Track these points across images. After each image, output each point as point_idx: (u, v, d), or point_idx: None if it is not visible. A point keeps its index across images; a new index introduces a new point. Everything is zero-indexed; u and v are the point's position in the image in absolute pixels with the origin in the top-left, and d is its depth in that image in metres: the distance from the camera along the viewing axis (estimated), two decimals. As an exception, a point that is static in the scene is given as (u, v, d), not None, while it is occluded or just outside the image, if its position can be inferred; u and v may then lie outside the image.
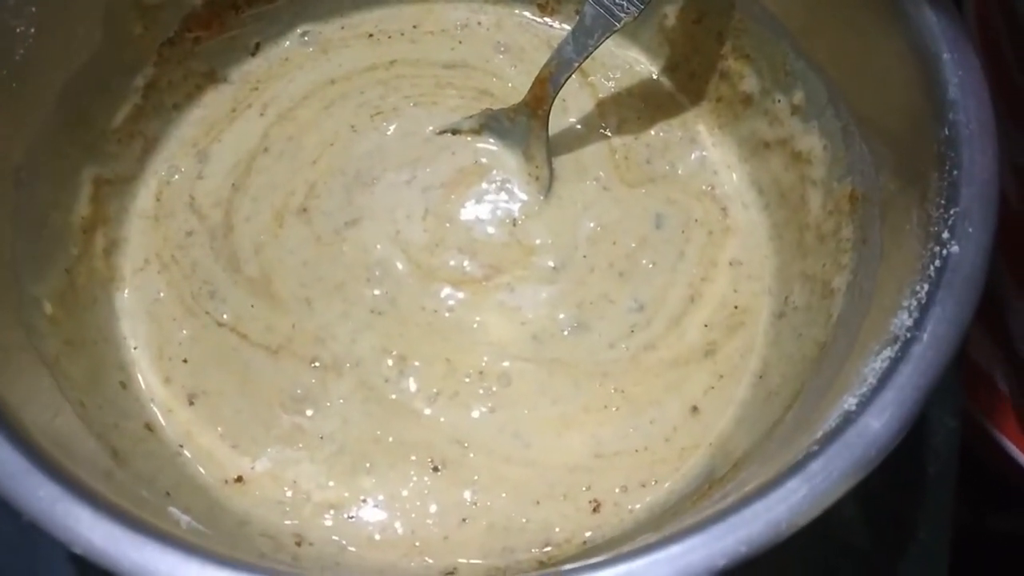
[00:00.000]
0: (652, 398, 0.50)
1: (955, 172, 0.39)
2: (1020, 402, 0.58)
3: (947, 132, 0.40)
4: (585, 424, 0.49)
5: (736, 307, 0.53)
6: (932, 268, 0.38)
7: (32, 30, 0.46)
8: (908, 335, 0.36)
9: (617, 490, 0.48)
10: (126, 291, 0.52)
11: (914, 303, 0.37)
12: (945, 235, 0.38)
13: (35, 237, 0.47)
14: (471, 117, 0.57)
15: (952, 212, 0.38)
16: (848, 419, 0.35)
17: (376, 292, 0.52)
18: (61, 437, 0.39)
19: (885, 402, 0.35)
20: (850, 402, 0.36)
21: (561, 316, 0.52)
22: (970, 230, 0.38)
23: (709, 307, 0.53)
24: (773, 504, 0.33)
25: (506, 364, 0.50)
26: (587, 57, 0.52)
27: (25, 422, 0.37)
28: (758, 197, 0.55)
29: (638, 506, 0.47)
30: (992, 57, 0.54)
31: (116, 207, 0.53)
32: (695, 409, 0.50)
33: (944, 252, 0.38)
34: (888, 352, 0.36)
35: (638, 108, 0.58)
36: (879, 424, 0.34)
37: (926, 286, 0.37)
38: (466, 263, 0.53)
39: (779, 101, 0.53)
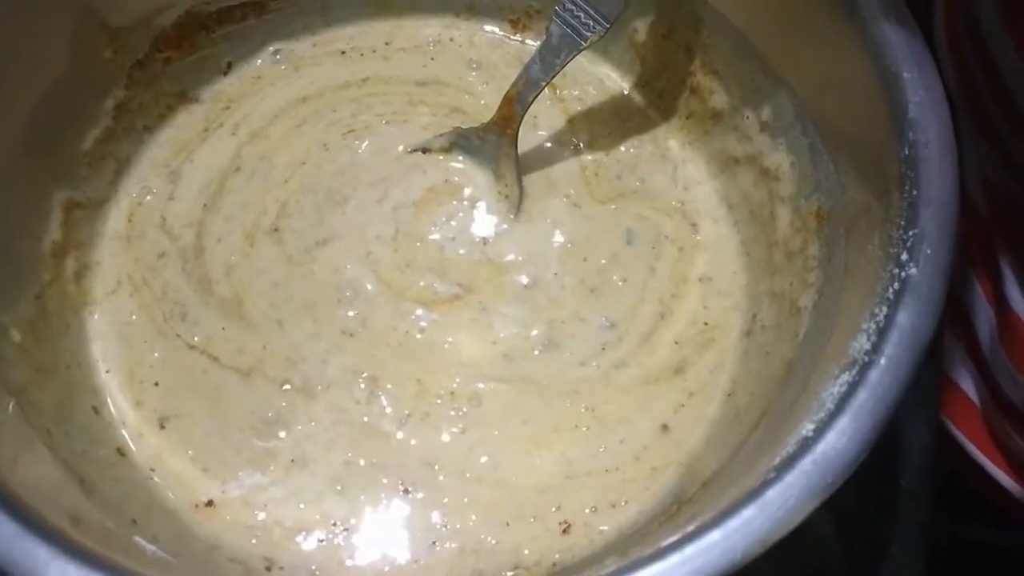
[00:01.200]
0: (622, 416, 0.50)
1: (914, 192, 0.39)
2: (991, 413, 0.58)
3: (907, 151, 0.40)
4: (555, 444, 0.49)
5: (706, 323, 0.53)
6: (891, 290, 0.38)
7: (-3, 55, 0.46)
8: (866, 359, 0.36)
9: (587, 511, 0.48)
10: (97, 314, 0.52)
11: (873, 326, 0.37)
12: (904, 257, 0.38)
13: (3, 264, 0.47)
14: (441, 136, 0.57)
15: (911, 234, 0.38)
16: (805, 445, 0.35)
17: (347, 313, 0.52)
18: (25, 470, 0.39)
19: (842, 428, 0.35)
20: (808, 428, 0.36)
21: (533, 334, 0.52)
22: (928, 252, 0.38)
23: (679, 324, 0.53)
24: (729, 533, 0.33)
25: (477, 384, 0.50)
26: (554, 75, 0.52)
27: (-14, 455, 0.37)
28: (728, 213, 0.55)
29: (607, 527, 0.47)
30: (963, 78, 0.54)
31: (87, 230, 0.53)
32: (665, 427, 0.50)
33: (903, 274, 0.38)
34: (846, 376, 0.36)
35: (609, 124, 0.58)
36: (835, 451, 0.34)
37: (884, 309, 0.37)
38: (437, 283, 0.53)
39: (748, 117, 0.53)
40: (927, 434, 0.55)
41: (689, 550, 0.33)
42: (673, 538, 0.35)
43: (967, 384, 0.61)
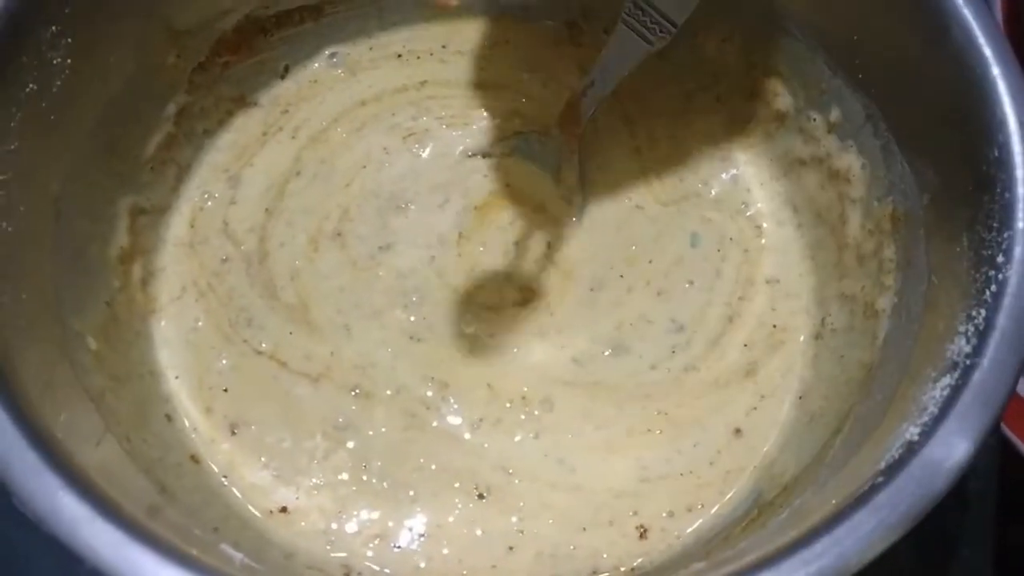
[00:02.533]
0: (695, 420, 0.50)
1: (1006, 195, 0.39)
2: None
3: (996, 154, 0.40)
4: (629, 448, 0.49)
5: (775, 326, 0.52)
6: (988, 293, 0.37)
7: (68, 61, 0.46)
8: (968, 362, 0.36)
9: (664, 515, 0.47)
10: (163, 321, 0.52)
11: (971, 328, 0.37)
12: (1000, 259, 0.38)
13: (75, 271, 0.47)
14: (502, 140, 0.56)
15: (1006, 236, 0.38)
16: (911, 450, 0.35)
17: (413, 318, 0.52)
18: (113, 476, 0.39)
19: (949, 431, 0.35)
20: (912, 432, 0.35)
21: (602, 338, 0.52)
22: (1025, 254, 0.37)
23: (748, 326, 0.52)
24: (841, 538, 0.33)
25: (548, 389, 0.50)
26: (618, 80, 0.52)
27: (80, 463, 0.37)
28: (793, 215, 0.55)
29: (686, 531, 0.47)
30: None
31: (152, 236, 0.53)
32: (738, 431, 0.50)
33: (1000, 276, 0.37)
34: (947, 379, 0.36)
35: (670, 126, 0.58)
36: (944, 455, 0.34)
37: (983, 311, 0.37)
38: (503, 287, 0.53)
39: (814, 119, 0.52)
40: (992, 437, 0.54)
41: (804, 554, 0.32)
42: (772, 544, 0.34)
43: (1020, 387, 0.61)
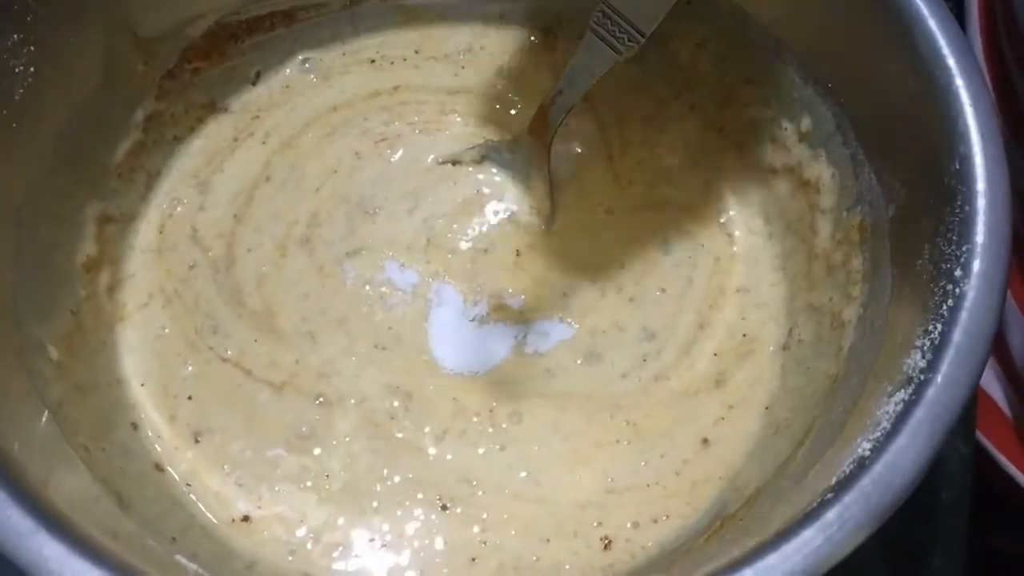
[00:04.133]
0: (663, 430, 0.50)
1: (966, 208, 0.39)
2: (1022, 423, 0.58)
3: (958, 166, 0.39)
4: (596, 459, 0.49)
5: (744, 335, 0.52)
6: (945, 307, 0.37)
7: (31, 69, 0.45)
8: (922, 377, 0.36)
9: (628, 526, 0.47)
10: (130, 328, 0.52)
11: (927, 343, 0.37)
12: (958, 273, 0.37)
13: (38, 279, 0.46)
14: (472, 148, 0.56)
15: (964, 249, 0.38)
16: (863, 465, 0.34)
17: (379, 326, 0.52)
18: (65, 488, 0.39)
19: (900, 448, 0.34)
20: (864, 447, 0.35)
21: (574, 346, 0.52)
22: (984, 269, 0.37)
23: (718, 335, 0.52)
24: (789, 555, 0.33)
25: (518, 400, 0.50)
26: (587, 88, 0.51)
27: (28, 476, 0.37)
28: (764, 224, 0.54)
29: (650, 543, 0.47)
30: (999, 84, 0.54)
31: (121, 244, 0.53)
32: (705, 441, 0.49)
33: (957, 291, 0.37)
34: (902, 395, 0.36)
35: (642, 132, 0.57)
36: (894, 472, 0.34)
37: (939, 326, 0.37)
38: (471, 296, 0.53)
39: (786, 128, 0.52)
40: (965, 446, 0.54)
41: (748, 572, 0.32)
42: (725, 558, 0.34)
43: (998, 395, 0.61)
